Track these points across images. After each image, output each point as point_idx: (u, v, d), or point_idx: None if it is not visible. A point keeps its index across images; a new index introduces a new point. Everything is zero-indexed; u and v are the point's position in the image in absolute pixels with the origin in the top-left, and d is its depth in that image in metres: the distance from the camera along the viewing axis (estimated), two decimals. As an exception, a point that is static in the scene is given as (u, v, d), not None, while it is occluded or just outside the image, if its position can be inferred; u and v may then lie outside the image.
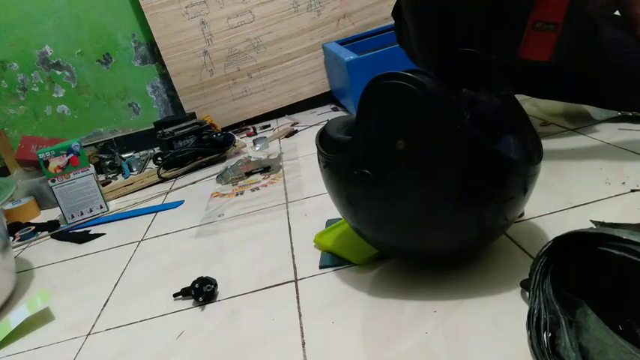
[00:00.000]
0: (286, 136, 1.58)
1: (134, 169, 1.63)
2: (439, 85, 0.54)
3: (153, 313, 0.75)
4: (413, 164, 0.56)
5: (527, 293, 0.54)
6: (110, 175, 1.65)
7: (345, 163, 0.60)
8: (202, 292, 0.74)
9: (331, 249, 0.77)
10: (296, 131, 1.61)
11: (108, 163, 1.69)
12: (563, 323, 0.43)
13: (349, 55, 1.48)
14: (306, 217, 0.95)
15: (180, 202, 1.23)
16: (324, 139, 0.68)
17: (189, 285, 0.75)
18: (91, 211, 1.27)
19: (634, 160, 0.85)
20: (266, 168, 1.30)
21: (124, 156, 1.75)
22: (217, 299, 0.74)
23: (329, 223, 0.87)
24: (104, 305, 0.82)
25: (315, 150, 0.68)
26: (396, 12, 1.10)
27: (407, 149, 0.55)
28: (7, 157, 1.74)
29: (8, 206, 1.36)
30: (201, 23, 1.74)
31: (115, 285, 0.88)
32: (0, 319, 0.84)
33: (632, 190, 0.75)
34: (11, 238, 1.22)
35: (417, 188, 0.57)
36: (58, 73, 1.80)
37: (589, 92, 1.03)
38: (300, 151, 1.39)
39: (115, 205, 1.33)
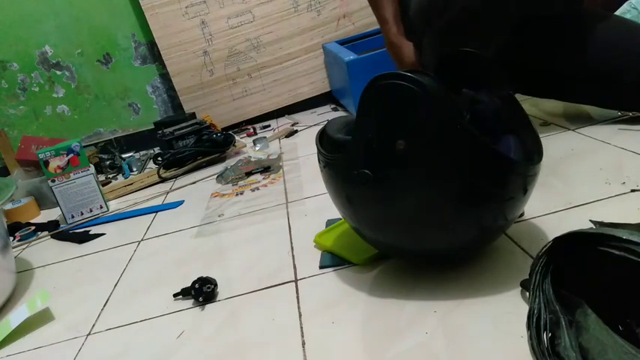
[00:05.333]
0: (286, 136, 1.58)
1: (134, 169, 1.63)
2: (439, 85, 0.54)
3: (153, 313, 0.75)
4: (413, 164, 0.56)
5: (527, 293, 0.54)
6: (110, 175, 1.65)
7: (345, 163, 0.60)
8: (202, 292, 0.73)
9: (331, 249, 0.77)
10: (296, 131, 1.61)
11: (108, 163, 1.69)
12: (563, 323, 0.43)
13: (349, 55, 1.48)
14: (306, 217, 0.95)
15: (180, 202, 1.23)
16: (324, 139, 0.68)
17: (189, 285, 0.75)
18: (91, 211, 1.27)
19: (634, 160, 0.85)
20: (266, 168, 1.30)
21: (124, 156, 1.75)
22: (217, 299, 0.74)
23: (329, 223, 0.87)
24: (104, 305, 0.82)
25: (315, 150, 0.68)
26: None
27: (407, 149, 0.55)
28: (7, 157, 1.74)
29: (8, 206, 1.36)
30: (201, 23, 1.74)
31: (115, 285, 0.88)
32: (0, 319, 0.84)
33: (632, 190, 0.75)
34: (11, 238, 1.22)
35: (416, 188, 0.57)
36: (58, 73, 1.80)
37: (589, 92, 1.03)
38: (300, 151, 1.39)
39: (115, 205, 1.33)
